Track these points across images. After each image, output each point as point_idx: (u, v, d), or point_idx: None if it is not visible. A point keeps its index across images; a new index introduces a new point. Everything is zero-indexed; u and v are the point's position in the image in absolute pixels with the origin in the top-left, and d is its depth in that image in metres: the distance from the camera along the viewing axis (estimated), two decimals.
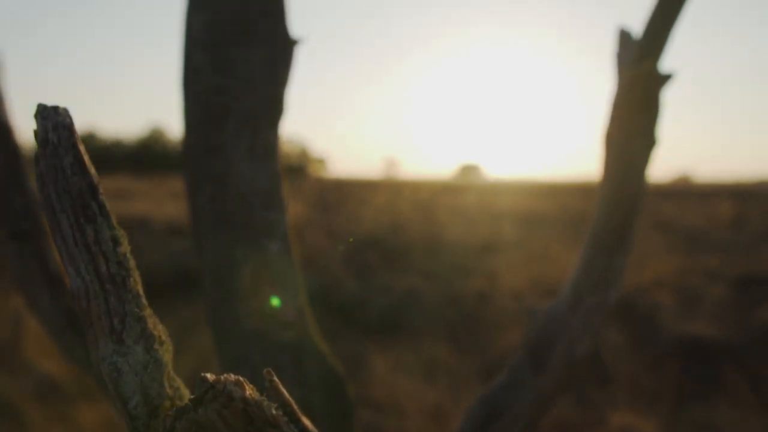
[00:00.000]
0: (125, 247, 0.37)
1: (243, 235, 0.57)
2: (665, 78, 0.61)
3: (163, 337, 0.37)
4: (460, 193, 30.12)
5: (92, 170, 0.29)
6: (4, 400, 2.93)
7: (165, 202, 15.78)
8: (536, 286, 6.10)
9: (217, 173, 0.58)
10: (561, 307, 0.61)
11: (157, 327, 0.37)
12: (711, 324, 4.78)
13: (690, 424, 3.35)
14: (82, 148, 0.27)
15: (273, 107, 0.59)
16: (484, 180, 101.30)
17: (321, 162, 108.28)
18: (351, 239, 9.11)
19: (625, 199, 0.58)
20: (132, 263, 0.37)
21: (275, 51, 0.59)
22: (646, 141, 0.61)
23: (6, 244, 0.56)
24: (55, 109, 0.26)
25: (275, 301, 0.64)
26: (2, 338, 3.75)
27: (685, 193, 33.17)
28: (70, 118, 0.26)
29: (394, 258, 8.31)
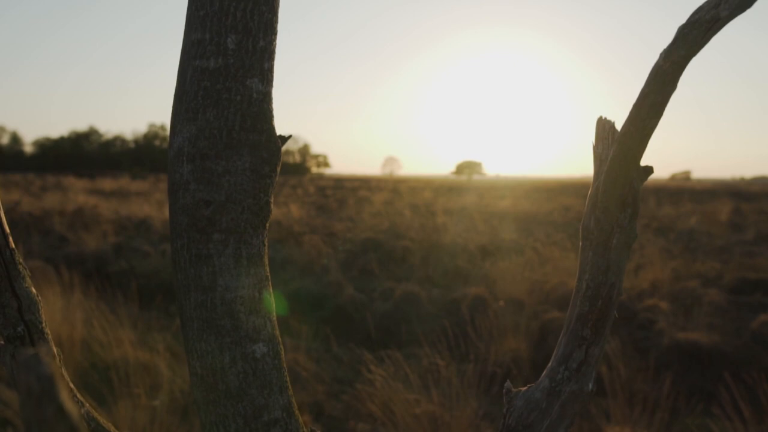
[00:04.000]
0: None
1: (229, 340, 0.59)
2: (646, 172, 0.63)
3: None
4: (459, 192, 30.10)
5: (74, 412, 0.30)
6: (4, 412, 2.95)
7: (164, 202, 15.79)
8: (536, 290, 6.11)
9: (204, 281, 0.60)
10: (538, 395, 0.63)
11: None
12: (708, 331, 4.79)
13: None
14: (64, 394, 0.28)
15: (258, 215, 0.61)
16: (484, 177, 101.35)
17: (323, 158, 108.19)
18: (343, 246, 9.11)
19: (602, 293, 0.60)
20: None
21: (261, 158, 0.60)
22: (625, 237, 0.62)
23: (0, 348, 0.58)
24: (37, 358, 0.28)
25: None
26: None
27: (684, 191, 33.15)
28: (51, 369, 0.28)
29: (393, 261, 8.32)
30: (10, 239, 0.57)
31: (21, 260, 0.57)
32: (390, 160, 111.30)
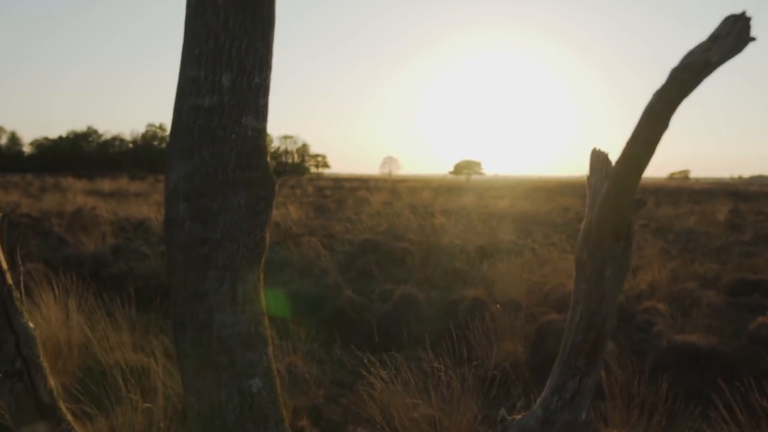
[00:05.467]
0: None
1: (226, 376, 0.60)
2: (639, 204, 0.63)
3: None
4: (458, 192, 30.08)
5: None
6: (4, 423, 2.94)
7: (163, 203, 15.74)
8: (534, 292, 6.12)
9: (200, 318, 0.61)
10: (532, 424, 0.63)
11: None
12: (706, 333, 4.79)
13: None
14: None
15: (253, 251, 0.61)
16: (483, 176, 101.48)
17: (322, 158, 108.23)
18: (342, 247, 9.10)
19: (595, 324, 0.60)
20: None
21: (256, 195, 0.61)
22: (619, 269, 0.62)
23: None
24: None
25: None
26: None
27: (682, 190, 33.17)
28: None
29: (391, 262, 8.32)
30: (8, 276, 0.57)
31: (18, 296, 0.57)
32: (389, 160, 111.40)
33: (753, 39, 0.59)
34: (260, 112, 0.64)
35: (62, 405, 0.59)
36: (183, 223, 0.62)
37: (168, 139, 0.66)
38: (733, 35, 0.57)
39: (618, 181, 0.60)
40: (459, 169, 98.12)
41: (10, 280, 0.59)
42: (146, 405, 3.09)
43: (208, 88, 0.61)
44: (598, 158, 0.69)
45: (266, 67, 0.63)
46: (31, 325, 0.60)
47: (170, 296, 0.65)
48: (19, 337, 0.59)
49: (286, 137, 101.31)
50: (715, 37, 0.59)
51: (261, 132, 0.64)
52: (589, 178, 0.70)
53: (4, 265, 0.59)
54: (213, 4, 0.63)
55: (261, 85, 0.63)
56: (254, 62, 0.61)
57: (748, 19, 0.59)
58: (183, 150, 0.62)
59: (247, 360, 0.62)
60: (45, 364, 0.60)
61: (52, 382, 0.60)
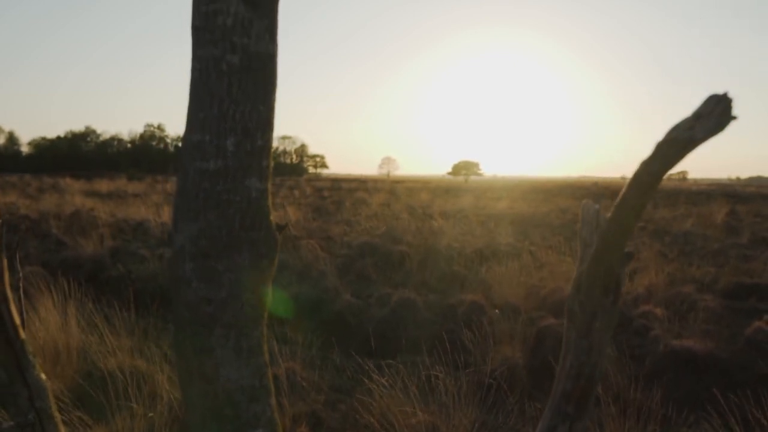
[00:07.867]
0: None
1: (231, 428, 0.62)
2: (628, 258, 0.66)
3: None
4: (457, 193, 30.10)
5: None
6: None
7: (161, 205, 15.74)
8: (532, 295, 6.13)
9: (207, 372, 0.63)
10: None
11: None
12: (703, 337, 4.81)
13: None
14: None
15: (257, 308, 0.64)
16: (481, 177, 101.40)
17: (321, 158, 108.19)
18: (340, 250, 9.10)
19: (584, 372, 0.63)
20: None
21: (260, 253, 0.63)
22: (608, 320, 0.65)
23: None
24: None
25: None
26: None
27: (680, 192, 33.24)
28: None
29: (390, 265, 8.33)
30: (21, 330, 0.59)
31: (31, 350, 0.59)
32: (387, 161, 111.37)
33: (734, 118, 0.61)
34: (263, 173, 0.66)
35: None
36: (189, 282, 0.64)
37: (174, 198, 0.69)
38: (715, 115, 0.60)
39: (607, 241, 0.63)
40: (457, 169, 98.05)
41: (22, 334, 0.60)
42: (148, 414, 3.10)
43: (213, 152, 0.63)
44: (589, 211, 0.71)
45: (269, 129, 0.66)
46: (44, 376, 0.62)
47: (177, 349, 0.67)
48: (32, 390, 0.61)
49: (284, 137, 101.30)
50: (698, 116, 0.61)
51: (264, 192, 0.67)
52: (580, 231, 0.72)
53: (17, 320, 0.60)
54: (217, 70, 0.65)
55: (264, 147, 0.65)
56: (257, 125, 0.64)
57: (730, 101, 0.62)
58: (189, 212, 0.65)
59: (252, 412, 0.64)
60: (56, 414, 0.62)
61: (62, 430, 0.62)
